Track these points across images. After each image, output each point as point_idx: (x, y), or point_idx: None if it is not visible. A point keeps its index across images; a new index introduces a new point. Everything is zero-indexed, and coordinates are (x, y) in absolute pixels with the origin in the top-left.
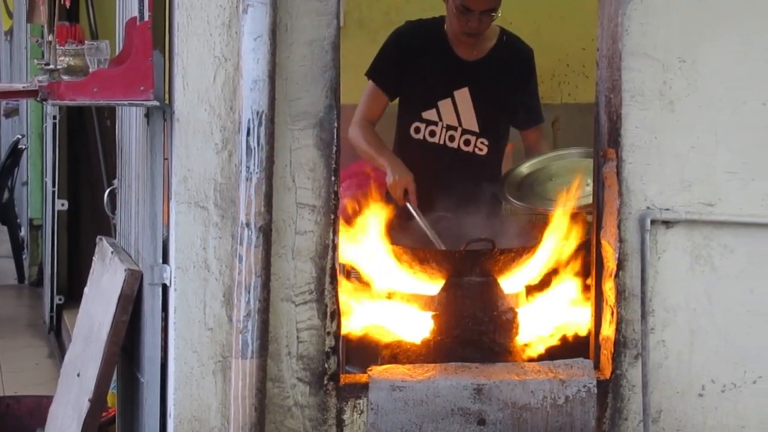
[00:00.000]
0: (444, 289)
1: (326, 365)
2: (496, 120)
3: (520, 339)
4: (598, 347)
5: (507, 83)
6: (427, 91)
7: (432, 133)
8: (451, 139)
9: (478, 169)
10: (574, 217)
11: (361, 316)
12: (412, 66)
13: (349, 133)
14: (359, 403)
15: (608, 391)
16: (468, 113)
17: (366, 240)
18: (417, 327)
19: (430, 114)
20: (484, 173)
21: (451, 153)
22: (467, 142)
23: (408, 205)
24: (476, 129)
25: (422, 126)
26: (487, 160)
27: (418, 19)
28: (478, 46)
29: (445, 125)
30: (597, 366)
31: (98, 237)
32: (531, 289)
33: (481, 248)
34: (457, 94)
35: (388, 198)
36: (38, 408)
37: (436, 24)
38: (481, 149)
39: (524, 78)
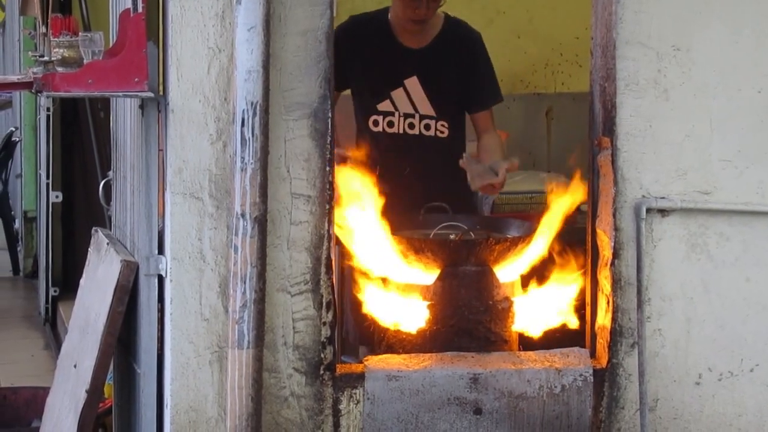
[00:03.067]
0: (439, 278)
1: (322, 355)
2: (450, 103)
3: (515, 328)
4: (594, 336)
5: (453, 69)
6: (377, 83)
7: (390, 124)
8: (411, 126)
9: (441, 152)
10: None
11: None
12: (358, 59)
13: None
14: (355, 393)
15: (605, 380)
16: (422, 100)
17: (362, 229)
18: (413, 316)
19: (385, 105)
20: (449, 155)
21: (413, 139)
22: (427, 127)
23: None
24: (433, 113)
25: (380, 118)
26: (450, 142)
27: (362, 13)
28: (424, 34)
29: (402, 114)
30: (593, 355)
31: (94, 228)
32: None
33: (438, 213)
34: (407, 83)
35: None
36: (35, 399)
37: (380, 15)
38: (442, 131)
39: (471, 62)
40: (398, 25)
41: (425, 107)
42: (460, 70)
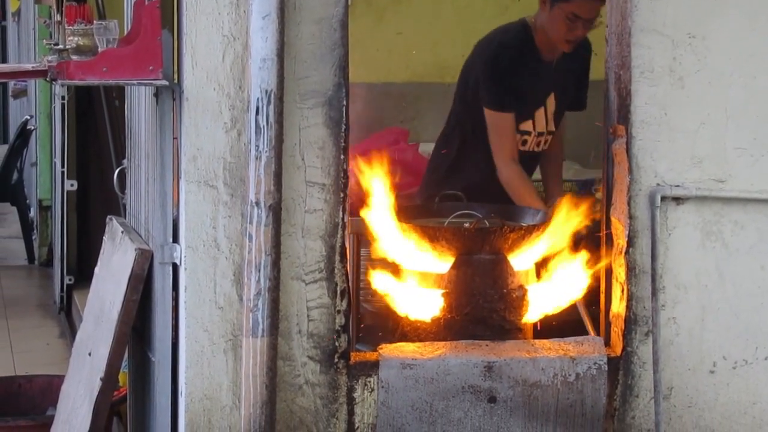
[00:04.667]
0: (454, 266)
1: (336, 343)
2: (564, 113)
3: (529, 316)
4: (608, 324)
5: (575, 78)
6: (525, 104)
7: (524, 143)
8: (538, 144)
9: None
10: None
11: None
12: (516, 81)
13: (502, 176)
14: (370, 381)
15: (619, 368)
16: (552, 116)
17: (376, 218)
18: (427, 305)
19: (526, 125)
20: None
21: (536, 156)
22: (546, 142)
23: None
24: (554, 128)
25: (518, 137)
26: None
27: (508, 35)
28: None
29: (536, 132)
30: (608, 343)
31: (108, 217)
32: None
33: (453, 201)
34: (548, 101)
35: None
36: (50, 387)
37: (525, 35)
38: (545, 145)
39: (586, 67)
40: (546, 42)
41: (553, 123)
42: (578, 77)
